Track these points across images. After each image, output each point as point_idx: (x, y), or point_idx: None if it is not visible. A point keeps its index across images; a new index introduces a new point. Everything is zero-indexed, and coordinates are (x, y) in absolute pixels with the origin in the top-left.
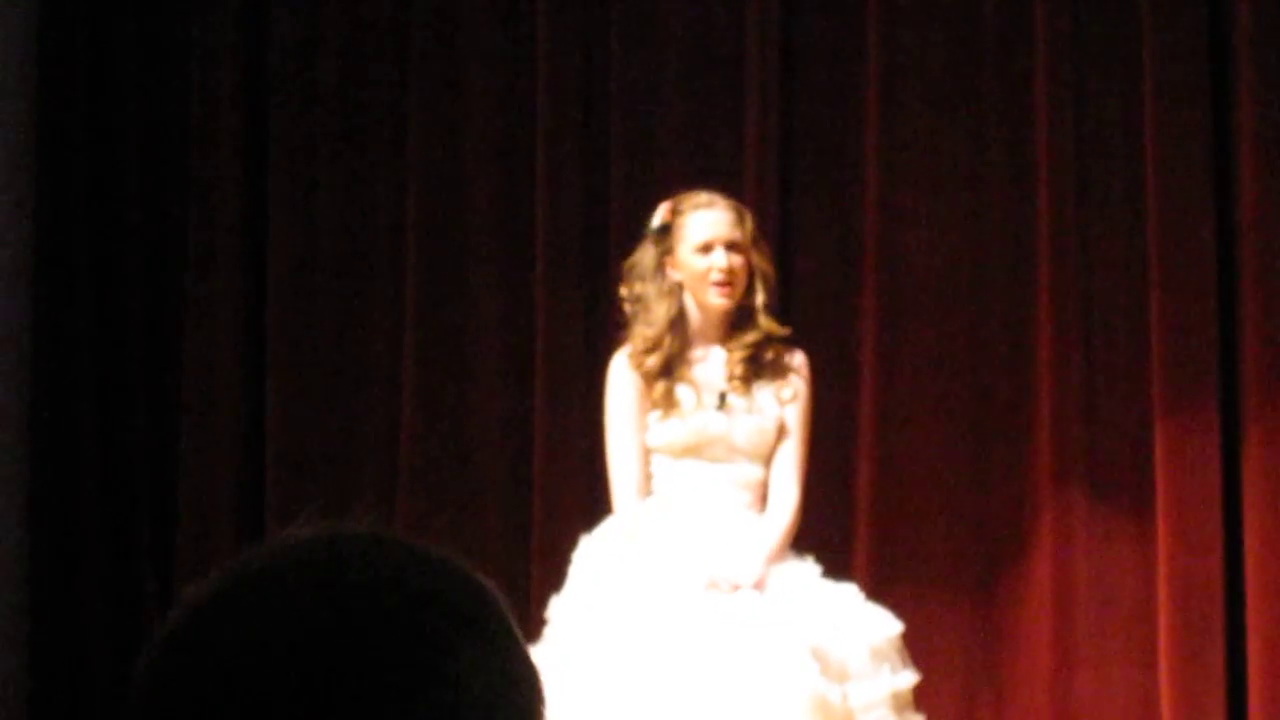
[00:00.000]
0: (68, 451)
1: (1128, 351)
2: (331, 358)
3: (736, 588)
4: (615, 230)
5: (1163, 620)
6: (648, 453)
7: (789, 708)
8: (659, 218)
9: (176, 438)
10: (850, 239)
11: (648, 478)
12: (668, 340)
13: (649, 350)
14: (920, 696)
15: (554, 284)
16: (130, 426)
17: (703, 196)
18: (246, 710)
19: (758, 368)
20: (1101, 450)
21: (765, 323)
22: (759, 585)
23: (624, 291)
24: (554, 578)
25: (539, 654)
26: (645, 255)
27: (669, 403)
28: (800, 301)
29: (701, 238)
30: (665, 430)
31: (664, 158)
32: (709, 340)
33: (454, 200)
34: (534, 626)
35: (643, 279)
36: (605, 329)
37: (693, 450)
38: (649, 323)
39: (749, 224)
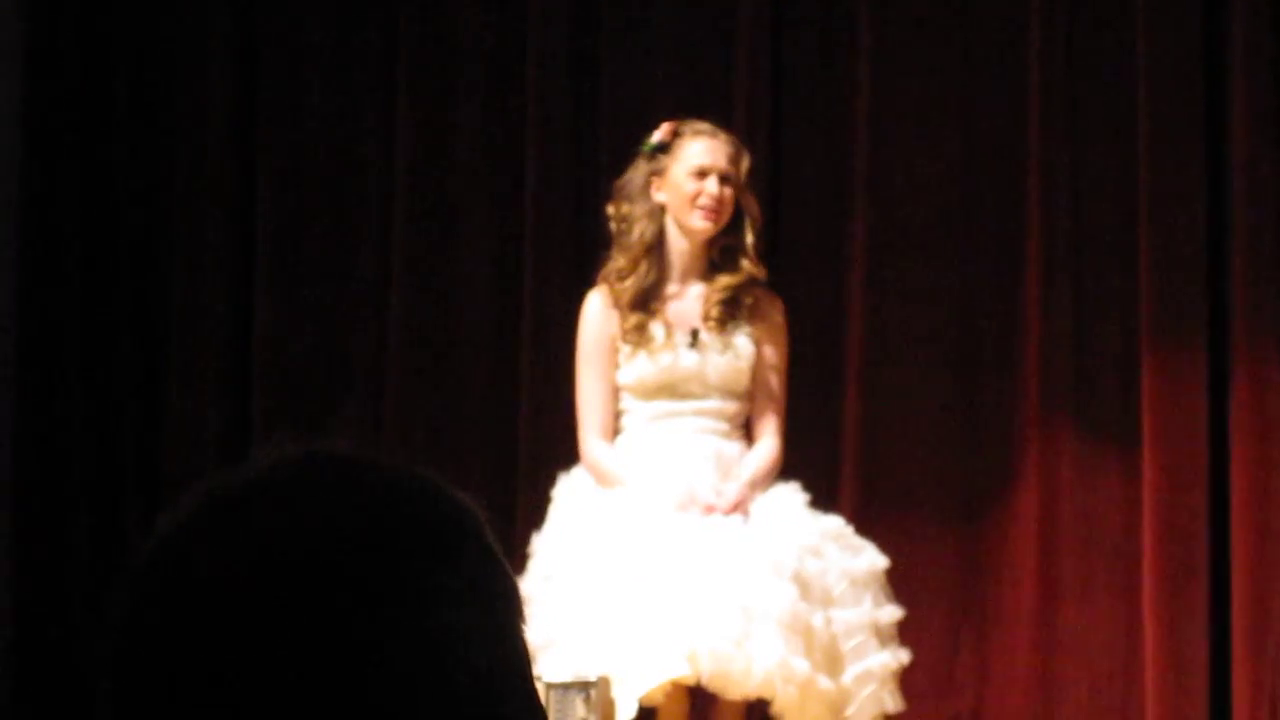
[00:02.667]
0: (54, 376)
1: (1116, 288)
2: (319, 286)
3: (710, 509)
4: (605, 169)
5: (1147, 555)
6: (616, 391)
7: (768, 629)
8: (658, 135)
9: (163, 361)
10: (840, 172)
11: (615, 416)
12: (644, 265)
13: (625, 275)
14: (904, 630)
15: (543, 223)
16: (116, 353)
17: (706, 125)
18: (221, 639)
19: (735, 309)
20: (1088, 386)
21: (748, 265)
22: (739, 507)
23: (611, 210)
24: (539, 514)
25: (522, 586)
26: (636, 173)
27: (640, 337)
28: (790, 233)
29: (698, 162)
30: (634, 367)
31: (653, 95)
32: (687, 276)
33: (443, 136)
34: (519, 561)
35: (630, 199)
36: (594, 263)
37: (666, 388)
38: (626, 245)
39: (746, 164)
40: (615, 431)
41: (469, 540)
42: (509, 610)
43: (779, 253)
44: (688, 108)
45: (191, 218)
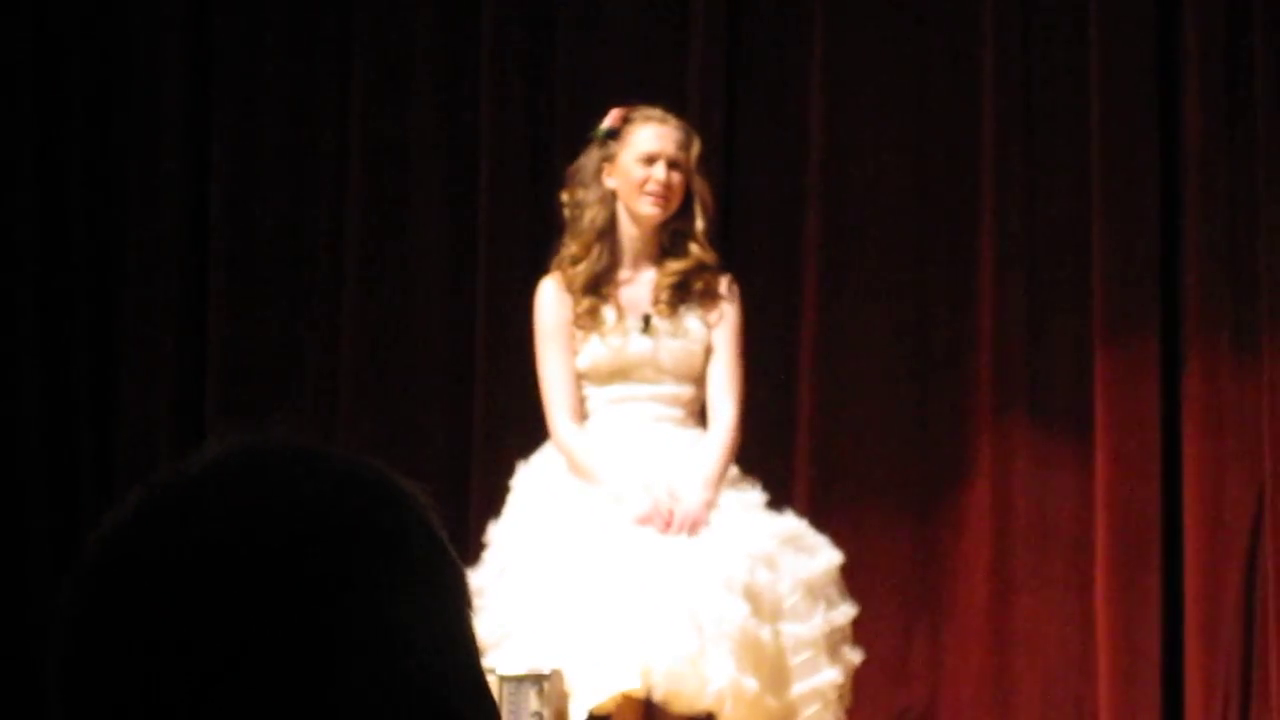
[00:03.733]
0: (6, 371)
1: (1069, 281)
2: (272, 278)
3: (668, 527)
4: (559, 155)
5: (1100, 547)
6: (579, 375)
7: (721, 648)
8: (608, 121)
9: (117, 355)
10: (793, 167)
11: (582, 399)
12: (596, 250)
13: (577, 260)
14: (858, 624)
15: (498, 212)
16: (69, 347)
17: (656, 111)
18: (166, 635)
19: (685, 293)
20: (1042, 377)
21: (698, 250)
22: (696, 526)
23: (564, 197)
24: (493, 503)
25: (478, 576)
26: (588, 160)
27: (592, 321)
28: (743, 225)
29: (646, 148)
30: (588, 352)
31: (608, 82)
32: (639, 262)
33: (398, 117)
34: (474, 550)
35: (582, 185)
36: (548, 251)
37: (620, 373)
38: (578, 232)
39: (696, 149)
40: (583, 415)
41: (416, 531)
42: (457, 600)
43: (732, 248)
44: (640, 95)
45: (145, 209)
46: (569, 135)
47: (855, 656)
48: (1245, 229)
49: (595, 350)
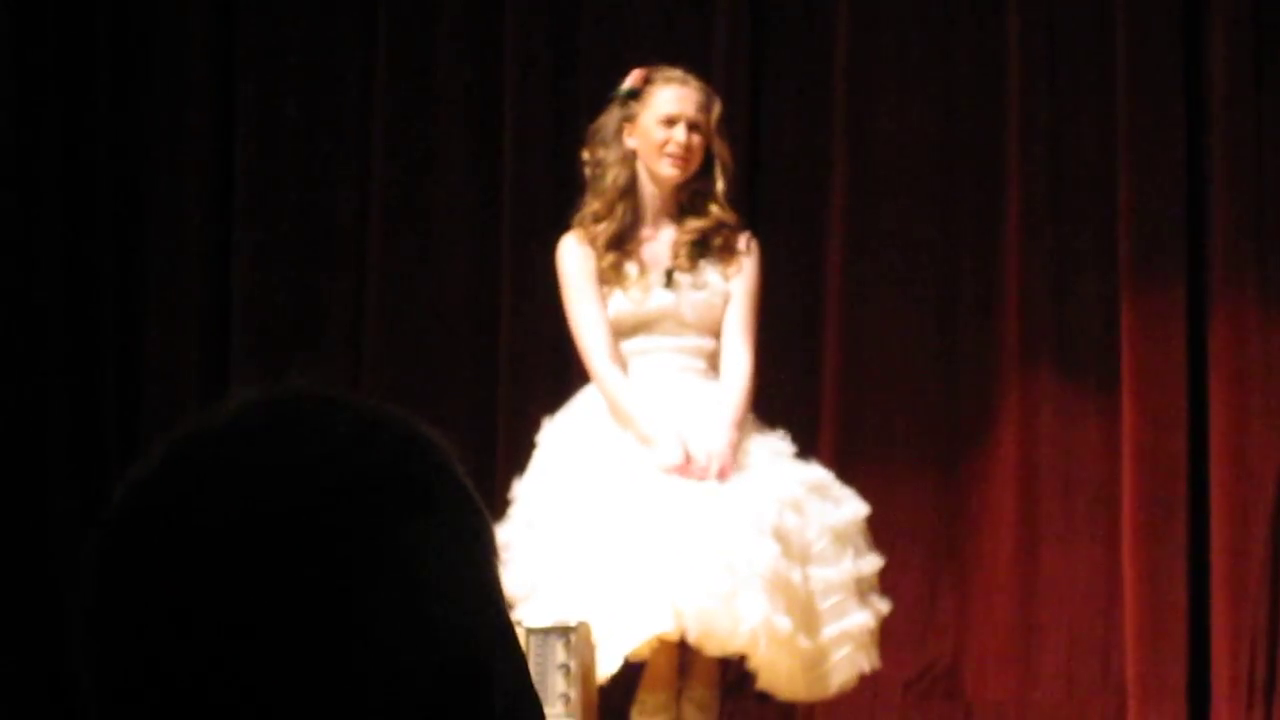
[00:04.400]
0: (32, 324)
1: (1096, 230)
2: (298, 231)
3: (704, 474)
4: (583, 108)
5: (1127, 498)
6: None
7: (753, 586)
8: (630, 82)
9: (142, 308)
10: (820, 116)
11: (617, 344)
12: (619, 209)
13: (600, 219)
14: (884, 575)
15: (522, 168)
16: (97, 296)
17: (677, 72)
18: (191, 590)
19: (705, 249)
20: (1068, 329)
21: (718, 210)
22: (726, 472)
23: (585, 155)
24: (519, 460)
25: (504, 531)
26: (609, 119)
27: (616, 277)
28: (769, 178)
29: (667, 110)
30: (611, 305)
31: (633, 34)
32: (660, 220)
33: (422, 79)
34: (499, 506)
35: (604, 143)
36: (571, 202)
37: (643, 326)
38: (600, 190)
39: (717, 110)
40: (621, 359)
41: (446, 482)
42: (484, 550)
43: (758, 202)
44: (666, 52)
45: (171, 162)
46: (593, 89)
47: (883, 606)
48: (1272, 182)
49: (619, 304)
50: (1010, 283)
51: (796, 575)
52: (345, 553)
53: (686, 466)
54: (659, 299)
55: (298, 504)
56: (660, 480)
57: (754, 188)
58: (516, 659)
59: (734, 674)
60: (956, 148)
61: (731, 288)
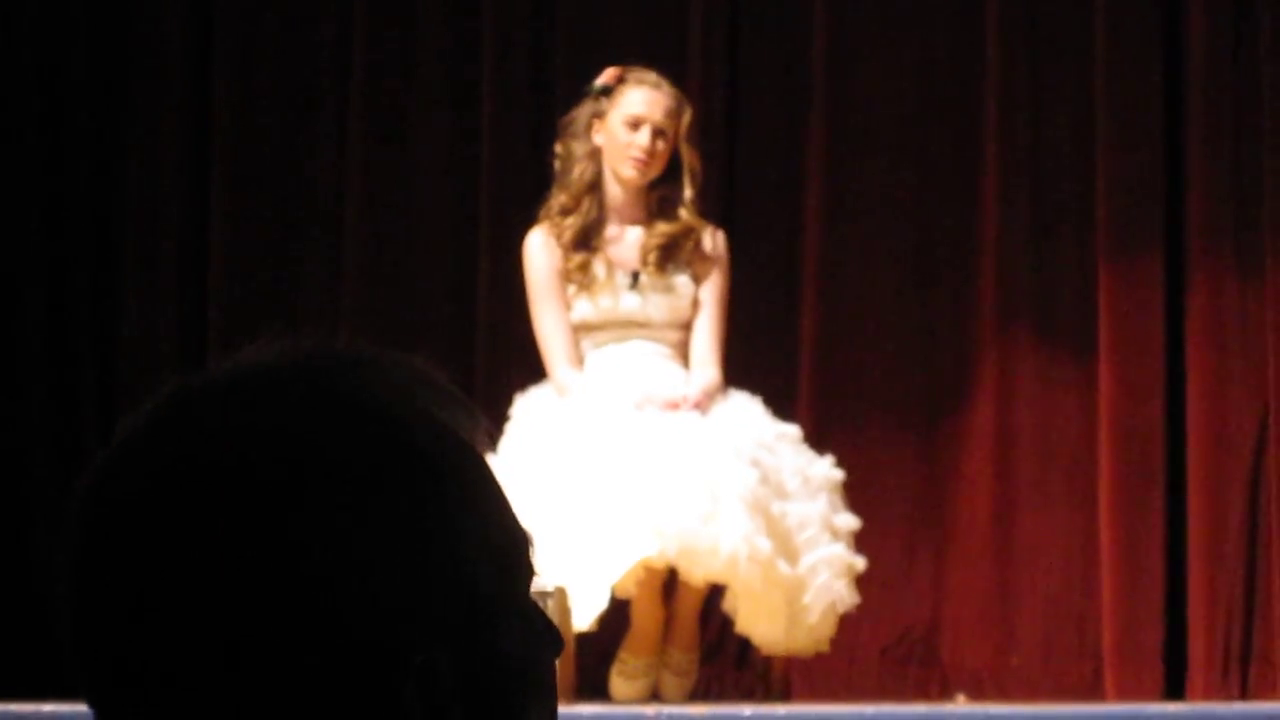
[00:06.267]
0: (7, 288)
1: (1073, 198)
2: (274, 201)
3: (673, 405)
4: (560, 75)
5: (1104, 465)
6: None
7: (733, 507)
8: (603, 79)
9: (120, 279)
10: (798, 78)
11: (579, 347)
12: (585, 203)
13: (567, 212)
14: (861, 540)
15: (499, 131)
16: (73, 269)
17: (650, 76)
18: (182, 546)
19: (674, 252)
20: (1046, 296)
21: (687, 217)
22: (700, 405)
23: (558, 147)
24: (495, 427)
25: None
26: (580, 113)
27: (583, 277)
28: (747, 144)
29: (633, 112)
30: (578, 309)
31: (613, 9)
32: (626, 220)
33: (401, 48)
34: None
35: (574, 137)
36: (550, 176)
37: (609, 328)
38: (567, 184)
39: (687, 118)
40: (581, 361)
41: (470, 454)
42: (444, 545)
43: (736, 165)
44: (644, 11)
45: (147, 135)
46: (571, 55)
47: (860, 562)
48: (1249, 147)
49: (585, 309)
50: (987, 249)
51: (775, 507)
52: (284, 527)
53: (651, 400)
54: (626, 304)
55: (311, 464)
56: (635, 421)
57: (732, 152)
58: (490, 652)
59: (714, 633)
60: (934, 113)
61: (701, 294)
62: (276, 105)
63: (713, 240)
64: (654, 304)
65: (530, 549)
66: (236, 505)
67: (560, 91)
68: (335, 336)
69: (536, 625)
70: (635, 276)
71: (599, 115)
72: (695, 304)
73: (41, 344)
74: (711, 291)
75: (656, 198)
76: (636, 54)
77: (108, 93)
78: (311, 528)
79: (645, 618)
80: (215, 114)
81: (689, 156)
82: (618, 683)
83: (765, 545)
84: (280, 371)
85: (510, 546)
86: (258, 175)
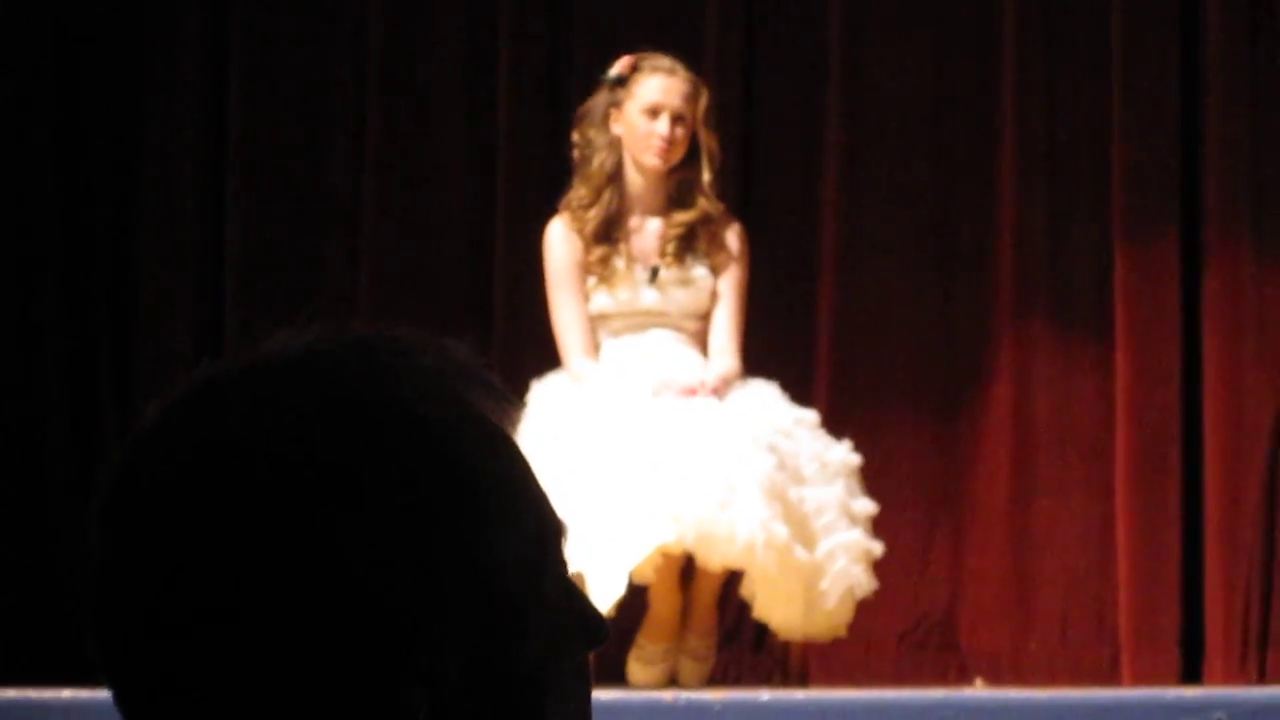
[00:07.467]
0: (28, 285)
1: (1090, 184)
2: (292, 190)
3: (691, 391)
4: (578, 65)
5: (1120, 451)
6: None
7: (750, 493)
8: (617, 68)
9: (137, 267)
10: (815, 69)
11: (595, 338)
12: (606, 195)
13: (588, 205)
14: (879, 525)
15: (516, 118)
16: (91, 258)
17: (665, 61)
18: (231, 524)
19: (692, 243)
20: (1063, 281)
21: (705, 203)
22: (718, 391)
23: (575, 136)
24: None
25: None
26: (597, 103)
27: (603, 270)
28: (763, 133)
29: (651, 100)
30: (596, 301)
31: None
32: (647, 210)
33: (418, 36)
34: None
35: (593, 126)
36: (566, 177)
37: (629, 321)
38: (587, 175)
39: (704, 102)
40: (597, 350)
41: (504, 447)
42: (539, 516)
43: (753, 153)
44: (662, 3)
45: (164, 124)
46: (589, 44)
47: (877, 547)
48: (1266, 135)
49: (604, 302)
50: (1004, 234)
51: (792, 493)
52: (304, 526)
53: (669, 386)
54: (645, 299)
55: (264, 465)
56: (652, 407)
57: (749, 140)
58: (506, 658)
59: (731, 619)
60: (951, 100)
61: (720, 286)
62: (294, 90)
63: (732, 234)
64: (672, 298)
65: (563, 540)
66: (259, 502)
67: (577, 81)
68: (364, 322)
69: (567, 620)
70: (654, 271)
71: (616, 105)
72: (714, 296)
73: (59, 337)
74: (730, 283)
75: (676, 181)
76: (653, 42)
77: (124, 87)
78: (331, 528)
79: (663, 604)
80: (231, 105)
81: (707, 140)
82: (635, 668)
83: (782, 531)
84: (308, 363)
85: (541, 541)
86: (275, 164)
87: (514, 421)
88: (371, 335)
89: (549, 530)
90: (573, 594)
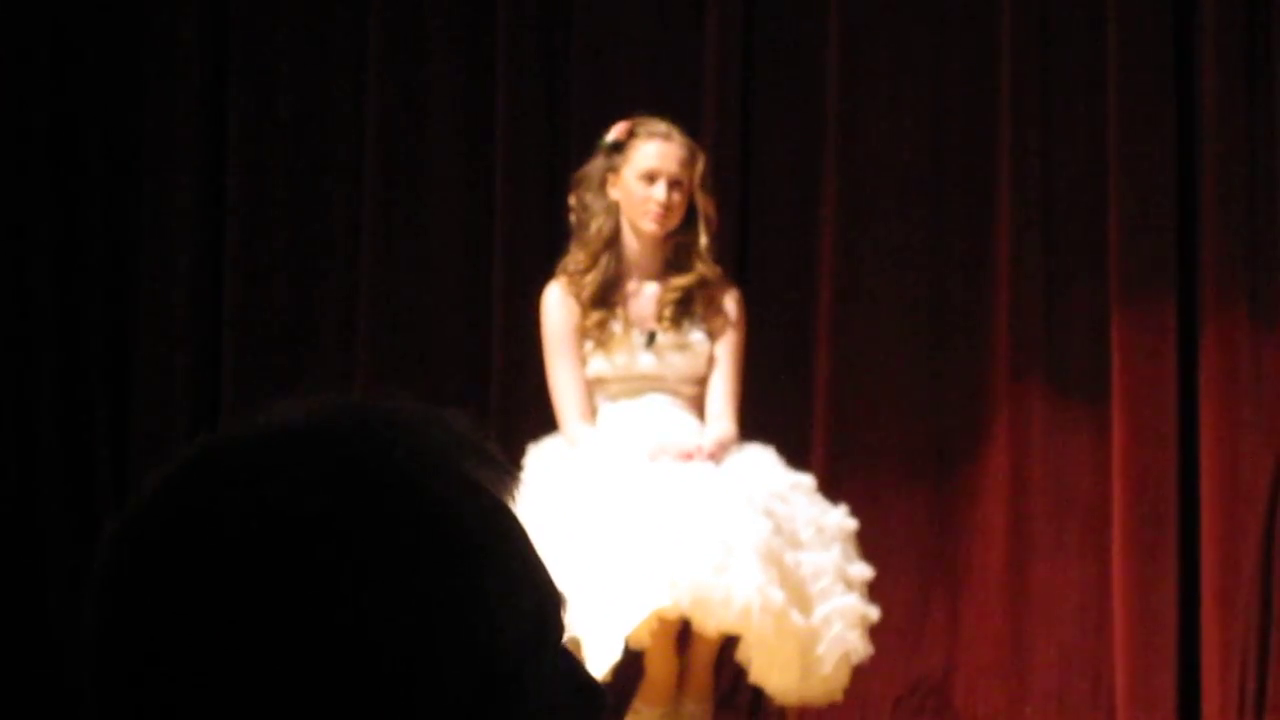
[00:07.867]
0: (24, 330)
1: (1086, 245)
2: (290, 236)
3: (687, 455)
4: (575, 110)
5: (1117, 515)
6: (588, 380)
7: (746, 558)
8: (614, 134)
9: (134, 313)
10: (811, 130)
11: (592, 403)
12: (604, 260)
13: (585, 270)
14: (875, 589)
15: (514, 167)
16: (87, 305)
17: (661, 126)
18: (231, 596)
19: (689, 307)
20: (1059, 345)
21: (702, 267)
22: (714, 456)
23: (572, 200)
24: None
25: None
26: (594, 168)
27: (600, 334)
28: (761, 193)
29: (647, 166)
30: (594, 365)
31: (626, 53)
32: (644, 274)
33: (415, 81)
34: None
35: (590, 190)
36: (563, 232)
37: (626, 385)
38: (585, 241)
39: (700, 166)
40: (594, 415)
41: (503, 520)
42: (538, 588)
43: (750, 215)
44: (659, 58)
45: (162, 170)
46: (585, 94)
47: (873, 612)
48: (1264, 195)
49: (601, 367)
50: (1000, 297)
51: (789, 557)
52: (303, 597)
53: (666, 450)
54: (642, 363)
55: (264, 538)
56: (649, 471)
57: (746, 202)
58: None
59: (727, 682)
60: (946, 161)
61: (717, 350)
62: (292, 136)
63: (729, 298)
64: (669, 362)
65: (562, 612)
66: (258, 573)
67: (575, 138)
68: (365, 392)
69: (565, 691)
70: (651, 336)
71: (613, 170)
72: (710, 360)
73: (54, 380)
74: (727, 348)
75: (673, 246)
76: (650, 101)
77: (123, 125)
78: (329, 601)
79: (659, 668)
80: (230, 150)
81: (704, 204)
82: None
83: (778, 596)
84: (309, 435)
85: (540, 616)
86: (273, 210)
87: (514, 492)
88: (371, 407)
89: (548, 604)
90: (571, 664)
